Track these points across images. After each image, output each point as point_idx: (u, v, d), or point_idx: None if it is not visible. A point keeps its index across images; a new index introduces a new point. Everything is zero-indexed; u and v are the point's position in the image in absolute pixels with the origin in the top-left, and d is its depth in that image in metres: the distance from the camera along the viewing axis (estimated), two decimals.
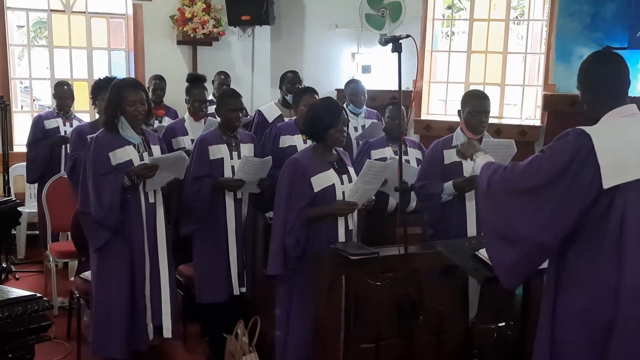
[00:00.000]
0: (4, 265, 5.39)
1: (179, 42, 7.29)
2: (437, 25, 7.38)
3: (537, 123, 6.74)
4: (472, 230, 3.65)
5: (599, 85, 2.38)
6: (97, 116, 6.84)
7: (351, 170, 3.54)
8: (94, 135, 3.75)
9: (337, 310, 3.17)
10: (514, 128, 6.58)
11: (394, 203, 4.12)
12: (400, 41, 2.93)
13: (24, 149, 6.00)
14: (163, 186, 3.74)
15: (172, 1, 7.16)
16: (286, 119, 4.76)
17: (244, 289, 4.09)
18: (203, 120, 4.71)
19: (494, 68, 7.13)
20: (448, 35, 7.83)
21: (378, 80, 7.00)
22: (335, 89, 6.99)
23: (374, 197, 3.51)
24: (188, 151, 4.35)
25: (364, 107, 5.38)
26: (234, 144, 4.06)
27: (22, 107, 7.75)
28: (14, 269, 5.67)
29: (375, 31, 6.89)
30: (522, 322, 3.45)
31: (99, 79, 4.89)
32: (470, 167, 3.64)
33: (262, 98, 7.18)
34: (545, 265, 2.49)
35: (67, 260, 5.20)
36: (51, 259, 4.96)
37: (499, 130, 6.38)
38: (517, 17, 8.56)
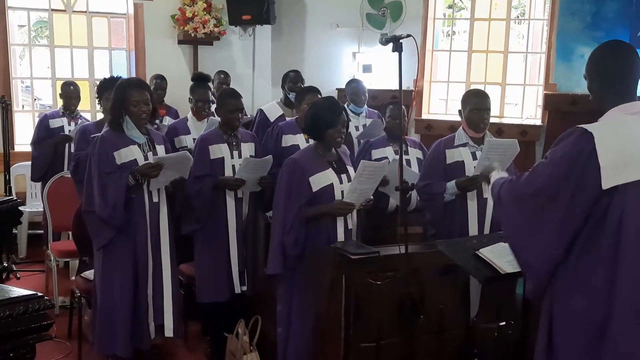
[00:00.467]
0: (5, 264, 5.38)
1: (179, 42, 7.29)
2: (438, 24, 7.38)
3: (538, 122, 6.74)
4: (473, 229, 3.64)
5: (608, 75, 2.30)
6: (98, 116, 6.92)
7: (350, 169, 3.54)
8: (99, 134, 3.77)
9: (337, 310, 3.16)
10: (514, 127, 6.58)
11: (394, 203, 4.12)
12: (401, 41, 2.93)
13: (25, 149, 6.01)
14: (167, 185, 3.74)
15: (173, 1, 7.17)
16: (288, 119, 4.76)
17: (244, 288, 4.09)
18: (206, 119, 4.71)
19: (494, 67, 7.12)
20: (449, 35, 7.83)
21: (379, 80, 6.99)
22: (336, 89, 6.99)
23: (372, 197, 3.50)
24: (190, 150, 4.35)
25: (365, 106, 5.38)
26: (234, 143, 4.07)
27: (23, 106, 7.75)
28: (15, 268, 5.67)
29: (376, 30, 6.89)
30: (523, 321, 3.46)
31: (104, 78, 4.91)
32: (472, 167, 3.65)
33: (263, 97, 7.19)
34: None
35: (68, 259, 5.21)
36: (52, 258, 4.96)
37: (500, 130, 6.38)
38: (518, 17, 8.55)
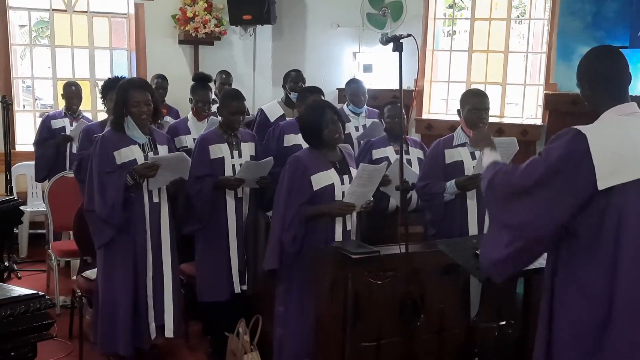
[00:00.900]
0: (6, 264, 5.40)
1: (180, 42, 7.29)
2: (439, 24, 7.38)
3: (539, 122, 6.74)
4: (473, 229, 3.65)
5: (599, 80, 2.34)
6: (99, 115, 6.93)
7: (353, 171, 3.54)
8: (101, 134, 3.78)
9: (338, 309, 3.17)
10: (515, 127, 6.57)
11: (395, 203, 4.12)
12: (401, 40, 2.94)
13: (26, 148, 6.02)
14: (168, 185, 3.75)
15: (174, 0, 7.17)
16: (288, 119, 4.76)
17: (245, 287, 4.10)
18: (206, 120, 4.72)
19: (495, 67, 7.12)
20: (449, 35, 7.82)
21: (379, 80, 6.99)
22: (337, 88, 7.00)
23: (372, 199, 3.51)
24: (191, 150, 4.36)
25: (365, 106, 5.38)
26: (234, 143, 4.07)
27: (24, 106, 7.76)
28: (16, 268, 5.68)
29: (377, 30, 6.89)
30: (524, 320, 3.45)
31: (109, 78, 4.92)
32: (472, 166, 3.65)
33: (264, 97, 7.19)
34: (542, 264, 2.50)
35: (69, 259, 5.21)
36: (53, 258, 4.97)
37: (501, 130, 6.38)
38: (518, 16, 8.55)
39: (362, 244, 3.36)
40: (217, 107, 4.17)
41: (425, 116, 7.18)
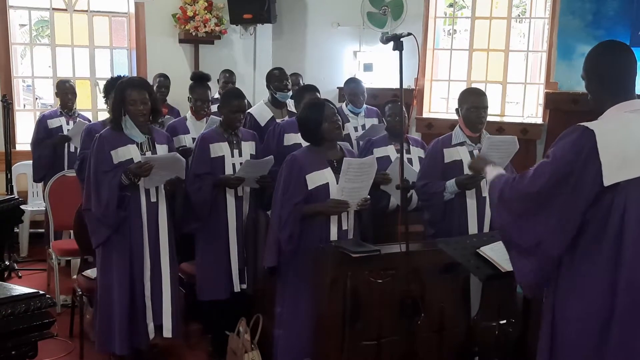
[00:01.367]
0: (7, 263, 5.40)
1: (180, 41, 7.29)
2: (439, 23, 7.38)
3: (539, 121, 6.74)
4: (473, 228, 3.64)
5: (606, 75, 2.31)
6: (99, 115, 6.94)
7: None
8: (99, 133, 3.78)
9: (338, 308, 3.17)
10: (515, 126, 6.57)
11: (395, 202, 4.12)
12: (401, 39, 2.93)
13: (26, 148, 6.01)
14: (165, 184, 3.74)
15: None
16: (278, 120, 4.73)
17: (244, 286, 4.10)
18: (205, 119, 4.71)
19: (495, 66, 7.12)
20: (450, 33, 7.82)
21: (380, 79, 7.00)
22: (337, 87, 7.00)
23: (369, 197, 3.46)
24: (189, 149, 4.35)
25: (364, 106, 5.36)
26: (235, 142, 4.07)
27: (24, 105, 7.77)
28: (16, 267, 5.69)
29: (377, 29, 6.89)
30: (524, 319, 3.46)
31: (112, 77, 4.91)
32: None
33: (264, 96, 7.16)
34: None
35: (69, 258, 5.22)
36: (54, 257, 4.97)
37: (501, 129, 6.38)
38: (519, 15, 8.55)
39: (362, 242, 3.35)
40: (218, 106, 4.16)
41: (425, 115, 7.18)
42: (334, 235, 3.41)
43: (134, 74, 7.01)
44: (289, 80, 5.04)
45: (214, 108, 4.86)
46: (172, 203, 3.88)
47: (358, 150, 4.65)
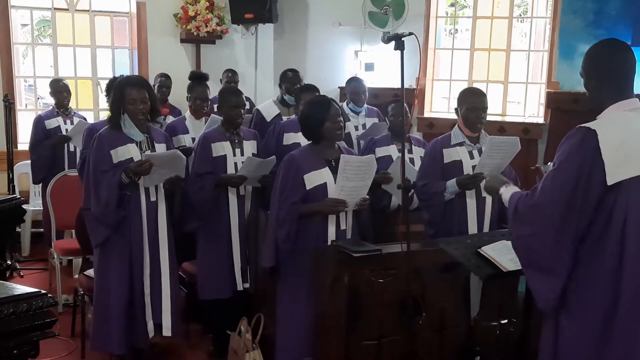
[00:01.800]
0: (9, 262, 5.40)
1: (182, 40, 7.30)
2: (440, 22, 7.38)
3: (541, 120, 6.74)
4: (473, 228, 3.63)
5: (605, 73, 2.32)
6: (101, 114, 6.94)
7: None
8: (98, 132, 3.77)
9: (339, 308, 3.17)
10: (517, 126, 6.57)
11: (397, 201, 4.12)
12: (403, 39, 2.93)
13: (28, 147, 6.01)
14: (164, 183, 3.74)
15: None
16: (285, 118, 4.75)
17: (247, 285, 4.10)
18: (204, 118, 4.72)
19: (497, 66, 7.12)
20: (451, 33, 7.83)
21: (381, 78, 7.00)
22: (338, 87, 7.00)
23: (368, 197, 3.44)
24: (189, 148, 4.36)
25: (365, 105, 5.37)
26: (236, 141, 4.08)
27: (26, 105, 7.78)
28: (18, 267, 5.69)
29: (378, 29, 6.89)
30: (525, 319, 3.45)
31: (114, 77, 4.92)
32: (470, 166, 3.64)
33: (266, 96, 7.19)
34: None
35: (71, 257, 5.23)
36: (55, 257, 4.98)
37: (502, 128, 6.38)
38: (520, 15, 8.55)
39: (363, 242, 3.35)
40: (217, 106, 4.17)
41: (427, 115, 7.18)
42: (331, 235, 3.40)
43: (136, 74, 7.00)
44: (301, 84, 5.05)
45: (215, 108, 4.86)
46: (170, 202, 3.87)
47: (359, 150, 4.65)
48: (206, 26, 7.07)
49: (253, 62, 7.64)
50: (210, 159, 3.99)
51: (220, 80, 6.38)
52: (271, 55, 7.56)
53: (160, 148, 3.79)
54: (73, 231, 4.80)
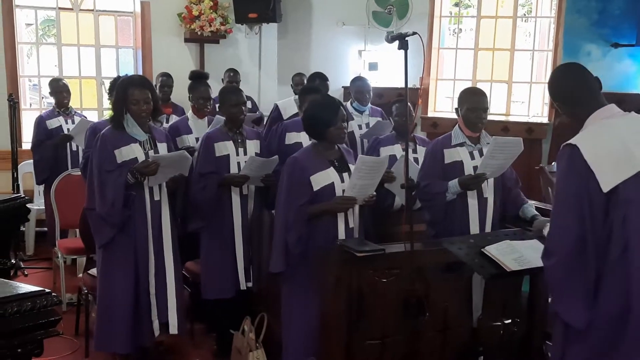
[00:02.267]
0: (13, 261, 5.42)
1: (186, 40, 7.31)
2: (444, 22, 7.37)
3: (545, 120, 6.73)
4: (474, 229, 3.59)
5: (574, 94, 2.48)
6: (105, 114, 6.95)
7: (353, 168, 3.51)
8: (101, 132, 3.78)
9: (343, 307, 3.17)
10: (521, 125, 6.57)
11: (400, 201, 4.11)
12: (407, 38, 2.93)
13: (30, 148, 6.03)
14: (167, 182, 3.75)
15: None
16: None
17: (250, 284, 4.11)
18: (207, 118, 4.72)
19: (501, 65, 7.12)
20: (455, 33, 7.82)
21: (385, 78, 7.00)
22: (342, 87, 7.01)
23: (374, 193, 3.45)
24: (193, 149, 4.36)
25: (369, 105, 5.36)
26: (239, 141, 4.08)
27: (30, 104, 7.80)
28: (22, 266, 5.71)
29: (382, 28, 6.89)
30: (529, 319, 3.45)
31: (118, 76, 4.92)
32: (471, 166, 3.62)
33: (269, 95, 7.21)
34: None
35: (75, 256, 5.24)
36: (60, 256, 4.99)
37: (506, 128, 6.38)
38: (524, 14, 8.53)
39: (367, 241, 3.34)
40: (218, 106, 4.17)
41: (430, 114, 7.18)
42: (341, 233, 3.39)
43: (140, 73, 7.01)
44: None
45: (217, 108, 4.87)
46: (173, 201, 3.88)
47: (364, 149, 4.65)
48: (210, 26, 7.09)
49: (257, 61, 7.64)
50: (213, 158, 3.99)
51: (222, 79, 6.39)
52: (275, 55, 7.57)
53: (162, 147, 3.79)
54: (77, 230, 4.81)
